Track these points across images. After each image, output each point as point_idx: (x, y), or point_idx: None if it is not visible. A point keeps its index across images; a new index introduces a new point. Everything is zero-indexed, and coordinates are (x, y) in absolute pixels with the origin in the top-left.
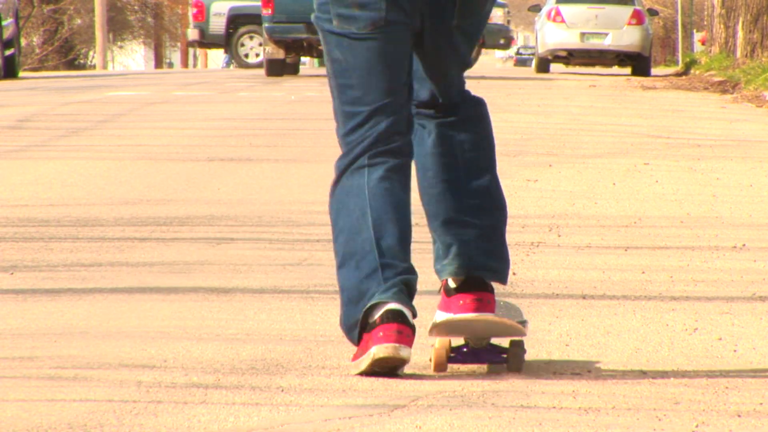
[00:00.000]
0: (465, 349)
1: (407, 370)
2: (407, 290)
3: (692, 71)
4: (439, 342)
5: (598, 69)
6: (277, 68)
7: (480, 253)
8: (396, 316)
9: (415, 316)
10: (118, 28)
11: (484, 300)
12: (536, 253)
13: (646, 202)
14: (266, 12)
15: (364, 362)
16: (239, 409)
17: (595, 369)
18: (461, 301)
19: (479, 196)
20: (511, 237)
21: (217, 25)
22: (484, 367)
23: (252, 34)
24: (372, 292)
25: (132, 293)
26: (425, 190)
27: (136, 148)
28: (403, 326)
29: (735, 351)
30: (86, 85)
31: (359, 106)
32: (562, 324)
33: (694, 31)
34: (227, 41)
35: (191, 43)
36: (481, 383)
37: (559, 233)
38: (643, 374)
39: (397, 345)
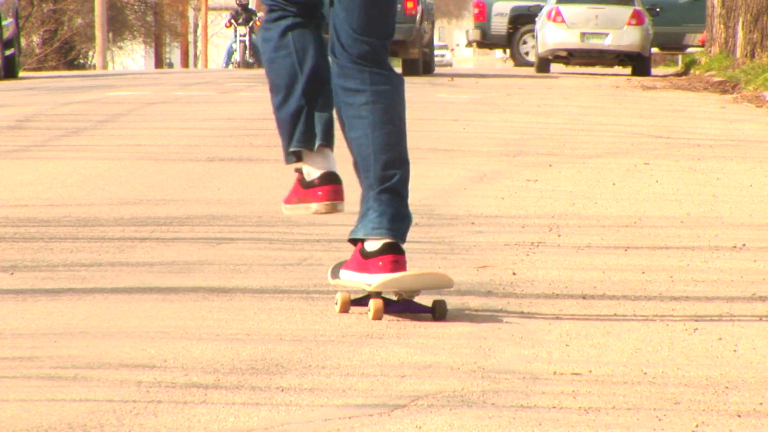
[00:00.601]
0: (397, 302)
1: (407, 370)
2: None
3: (692, 71)
4: (376, 295)
5: (598, 69)
6: None
7: (402, 219)
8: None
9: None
10: (118, 27)
11: (401, 261)
12: (536, 253)
13: (646, 202)
14: None
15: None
16: (239, 409)
17: (595, 369)
18: (380, 263)
19: (403, 165)
20: (511, 237)
21: (499, 24)
22: (483, 367)
23: (533, 33)
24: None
25: (132, 293)
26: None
27: (136, 148)
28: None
29: (735, 351)
30: (86, 85)
31: None
32: (562, 324)
33: None
34: (508, 40)
35: (471, 43)
36: (481, 383)
37: (559, 233)
38: (643, 374)
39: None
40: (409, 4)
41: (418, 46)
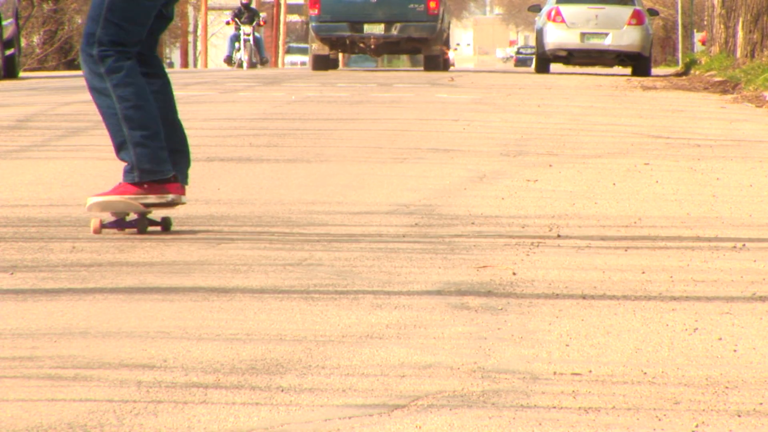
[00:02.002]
0: (113, 220)
1: (407, 370)
2: None
3: (692, 71)
4: (95, 216)
5: (598, 69)
6: (322, 63)
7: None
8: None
9: None
10: None
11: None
12: (536, 253)
13: (646, 202)
14: (313, 12)
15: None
16: (239, 409)
17: (595, 369)
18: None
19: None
20: (511, 237)
21: None
22: (474, 362)
23: None
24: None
25: (132, 293)
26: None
27: None
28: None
29: (735, 351)
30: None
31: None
32: (562, 324)
33: (694, 31)
34: None
35: None
36: (481, 383)
37: (559, 233)
38: (643, 374)
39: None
40: (432, 4)
41: (440, 44)
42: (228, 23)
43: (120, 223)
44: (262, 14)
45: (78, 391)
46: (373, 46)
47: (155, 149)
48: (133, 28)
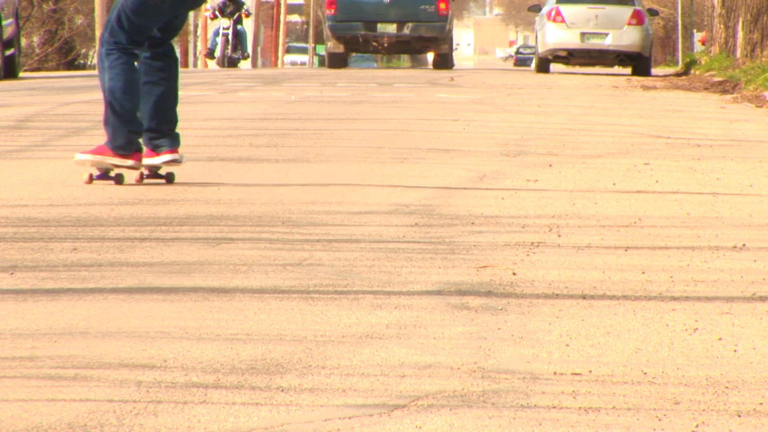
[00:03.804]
0: (99, 173)
1: (407, 370)
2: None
3: (692, 71)
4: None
5: (598, 69)
6: (337, 61)
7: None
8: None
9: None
10: None
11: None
12: (536, 253)
13: (646, 202)
14: (329, 12)
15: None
16: (239, 409)
17: (595, 369)
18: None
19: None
20: (511, 237)
21: None
22: (475, 363)
23: None
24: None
25: (132, 293)
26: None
27: None
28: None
29: (735, 351)
30: (86, 85)
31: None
32: (562, 324)
33: (694, 31)
34: None
35: None
36: (481, 383)
37: (559, 233)
38: (643, 374)
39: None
40: (442, 5)
41: (448, 43)
42: (211, 18)
43: (104, 176)
44: (245, 6)
45: (78, 391)
46: (386, 45)
47: (125, 132)
48: (143, 30)
